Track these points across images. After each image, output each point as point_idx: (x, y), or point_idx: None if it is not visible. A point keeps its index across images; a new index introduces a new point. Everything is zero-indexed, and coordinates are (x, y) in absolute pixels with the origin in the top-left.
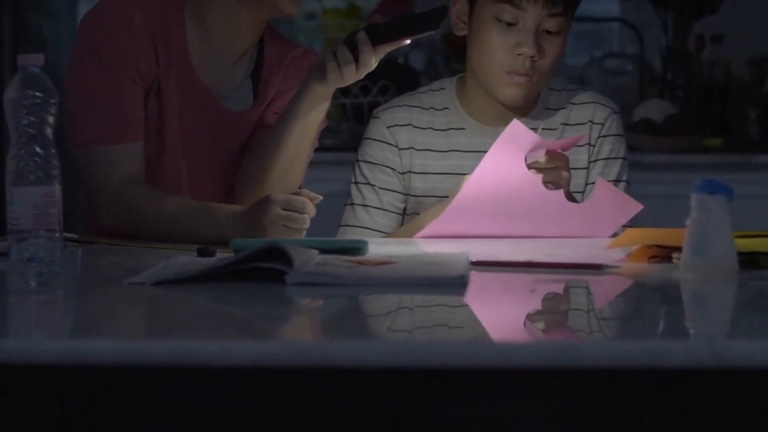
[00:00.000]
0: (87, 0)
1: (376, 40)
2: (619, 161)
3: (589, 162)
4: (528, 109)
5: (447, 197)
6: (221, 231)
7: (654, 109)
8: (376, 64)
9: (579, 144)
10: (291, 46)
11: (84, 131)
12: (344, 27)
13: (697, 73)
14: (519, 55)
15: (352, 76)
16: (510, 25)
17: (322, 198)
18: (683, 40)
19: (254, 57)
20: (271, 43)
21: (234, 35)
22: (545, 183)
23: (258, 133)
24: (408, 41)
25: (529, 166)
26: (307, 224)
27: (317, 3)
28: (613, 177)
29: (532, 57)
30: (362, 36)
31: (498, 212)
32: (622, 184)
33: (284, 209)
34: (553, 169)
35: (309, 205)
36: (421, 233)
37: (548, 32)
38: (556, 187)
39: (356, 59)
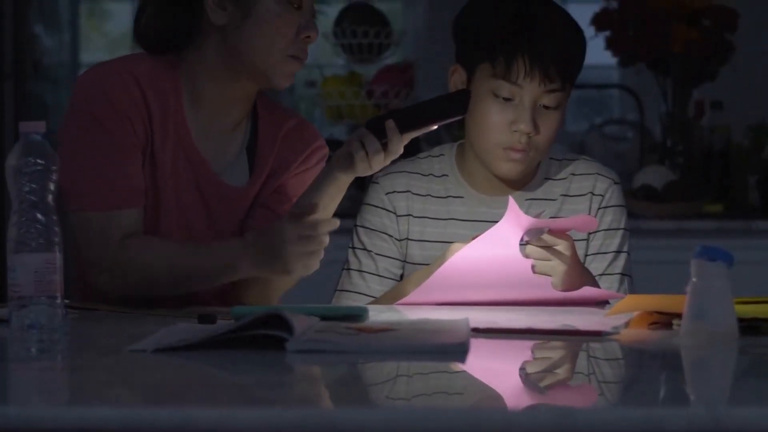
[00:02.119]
0: (88, 68)
1: (405, 128)
2: (620, 232)
3: (589, 233)
4: (528, 179)
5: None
6: (237, 265)
7: (654, 176)
8: (402, 151)
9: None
10: (285, 117)
11: (83, 196)
12: (345, 95)
13: (696, 140)
14: (515, 131)
15: (380, 165)
16: (507, 100)
17: (339, 223)
18: (683, 106)
19: (248, 130)
20: (264, 115)
21: (225, 107)
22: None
23: (258, 213)
24: (435, 126)
25: (528, 243)
26: (326, 243)
27: (317, 70)
28: (614, 248)
29: (528, 133)
30: (391, 124)
31: (480, 287)
32: (623, 255)
33: (300, 233)
34: (551, 251)
35: (323, 224)
36: (403, 300)
37: (546, 107)
38: (560, 261)
39: (384, 147)
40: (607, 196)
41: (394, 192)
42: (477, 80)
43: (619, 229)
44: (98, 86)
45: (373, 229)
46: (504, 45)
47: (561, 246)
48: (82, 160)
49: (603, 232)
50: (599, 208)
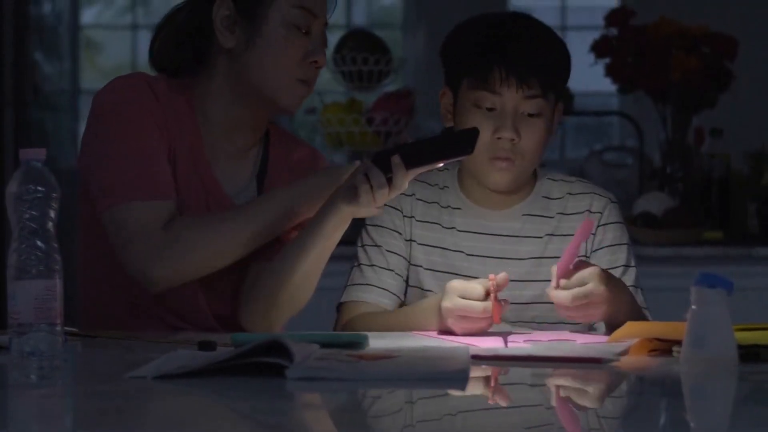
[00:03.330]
0: (88, 95)
1: (411, 163)
2: (625, 247)
3: (591, 251)
4: (524, 193)
5: (442, 272)
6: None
7: (654, 203)
8: (407, 186)
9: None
10: (296, 146)
11: (124, 188)
12: (344, 122)
13: (696, 167)
14: (499, 139)
15: (384, 199)
16: (490, 110)
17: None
18: (682, 133)
19: (260, 157)
20: (276, 144)
21: (234, 131)
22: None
23: None
24: (441, 164)
25: (559, 287)
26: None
27: (317, 97)
28: (622, 262)
29: (512, 140)
30: (397, 160)
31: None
32: (632, 269)
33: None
34: (582, 307)
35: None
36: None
37: (529, 115)
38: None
39: (389, 181)
40: (606, 213)
41: (401, 194)
42: (461, 96)
43: (623, 244)
44: (120, 92)
45: (383, 226)
46: (480, 56)
47: (590, 285)
48: (116, 157)
49: (608, 248)
50: (599, 226)
